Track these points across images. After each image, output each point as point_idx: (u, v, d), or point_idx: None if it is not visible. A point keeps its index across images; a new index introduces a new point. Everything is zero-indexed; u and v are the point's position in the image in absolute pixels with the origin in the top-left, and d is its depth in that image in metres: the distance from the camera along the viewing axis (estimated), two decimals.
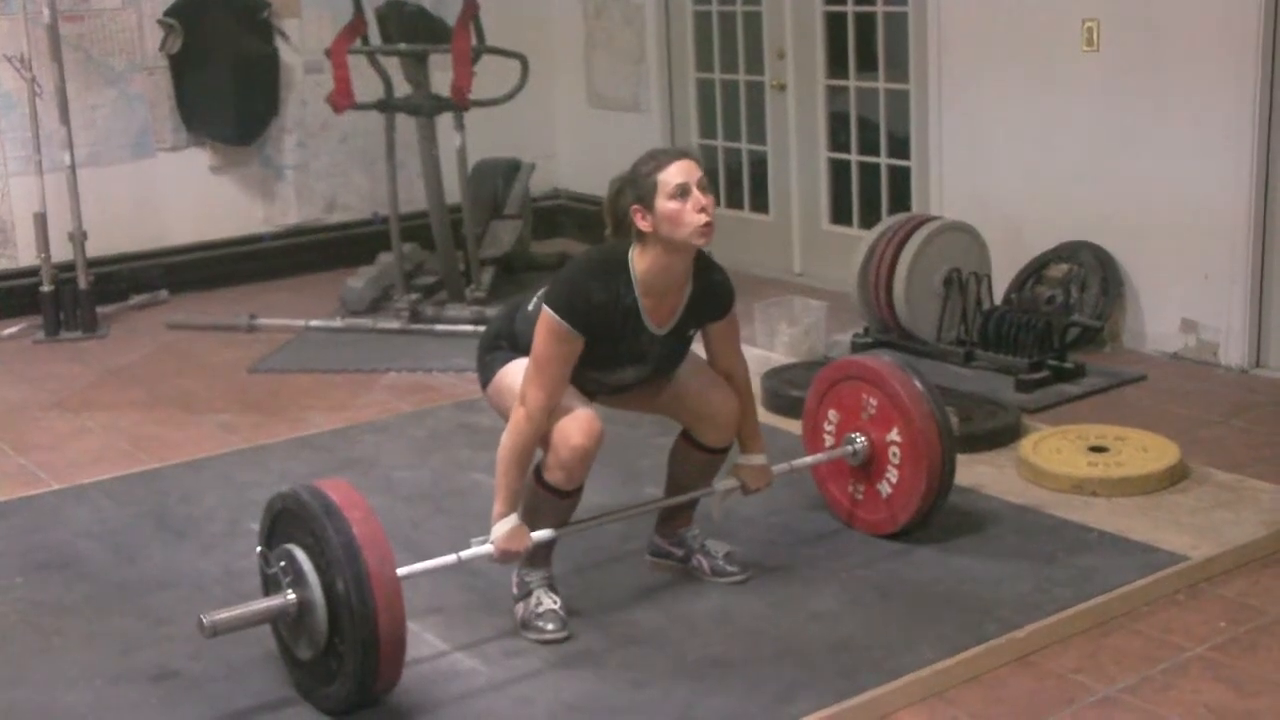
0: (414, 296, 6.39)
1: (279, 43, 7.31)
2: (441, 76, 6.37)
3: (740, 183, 7.28)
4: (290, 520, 3.14)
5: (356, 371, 5.73)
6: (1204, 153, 5.26)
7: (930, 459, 3.73)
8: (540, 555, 3.48)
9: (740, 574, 3.67)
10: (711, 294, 3.44)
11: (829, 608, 3.53)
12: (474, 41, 6.21)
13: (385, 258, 6.71)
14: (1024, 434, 4.52)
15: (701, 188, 3.24)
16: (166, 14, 6.98)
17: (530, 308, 3.43)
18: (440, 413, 5.13)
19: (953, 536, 3.89)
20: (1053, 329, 5.26)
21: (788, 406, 4.85)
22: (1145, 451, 4.26)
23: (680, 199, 3.22)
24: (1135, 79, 5.44)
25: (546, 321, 3.26)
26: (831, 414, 3.97)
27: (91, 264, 6.49)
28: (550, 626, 3.39)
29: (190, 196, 7.21)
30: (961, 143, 6.09)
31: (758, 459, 3.66)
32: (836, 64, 6.73)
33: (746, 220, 7.22)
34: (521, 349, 3.41)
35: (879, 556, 3.79)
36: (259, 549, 3.24)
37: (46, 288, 6.39)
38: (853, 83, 6.66)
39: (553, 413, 3.29)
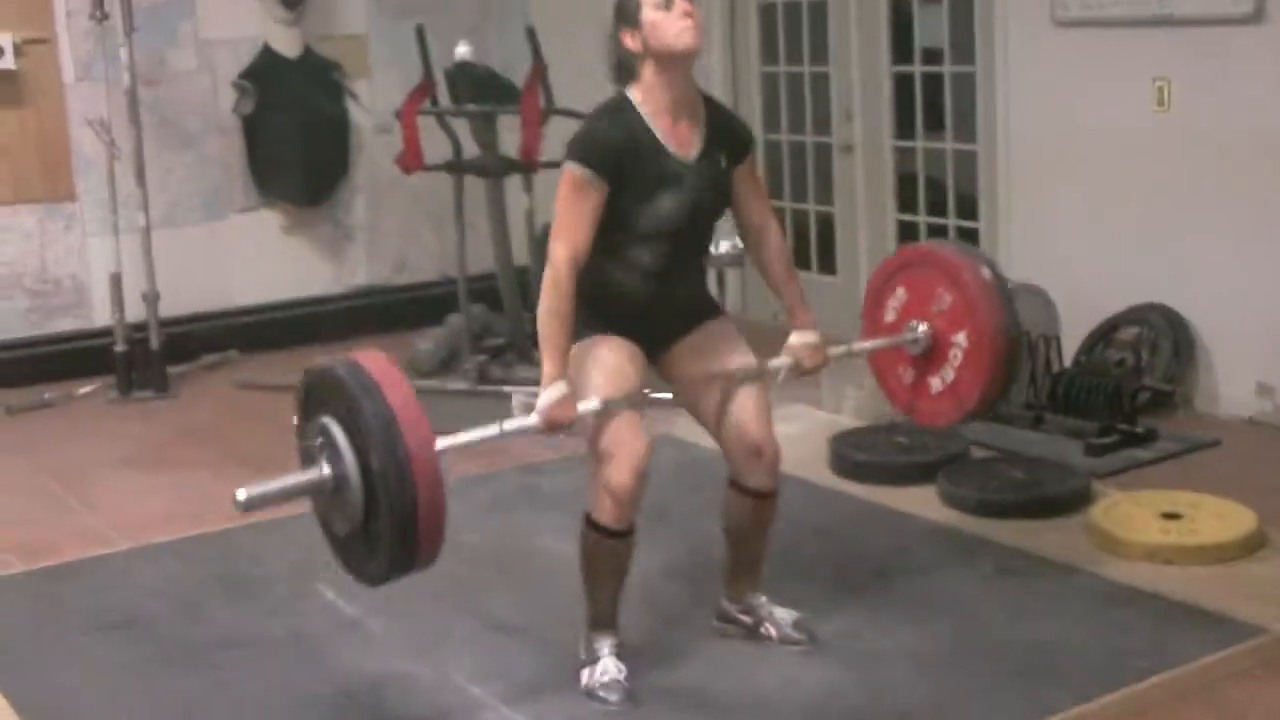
0: (482, 358, 6.41)
1: (349, 104, 7.41)
2: (510, 138, 6.42)
3: (808, 244, 7.26)
4: (326, 393, 3.06)
5: None
6: (1278, 214, 5.19)
7: (994, 367, 3.63)
8: (606, 617, 3.45)
9: (808, 642, 3.62)
10: (729, 125, 3.44)
11: (897, 676, 3.47)
12: (543, 103, 6.26)
13: (453, 319, 6.74)
14: (1094, 499, 4.44)
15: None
16: (241, 76, 7.10)
17: None
18: (505, 476, 5.13)
19: (1022, 603, 3.83)
20: (1123, 392, 5.19)
21: (853, 470, 4.82)
22: (1220, 519, 4.18)
23: (664, 8, 3.22)
24: (1207, 138, 5.38)
25: (566, 176, 3.24)
26: (900, 292, 3.82)
27: (163, 324, 6.57)
28: (614, 698, 3.36)
29: (261, 257, 7.30)
30: (1030, 203, 6.05)
31: (810, 336, 3.56)
32: (904, 125, 6.71)
33: (814, 282, 7.19)
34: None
35: (947, 622, 3.73)
36: (294, 421, 3.17)
37: (120, 348, 6.47)
38: (920, 143, 6.65)
39: (603, 453, 3.25)
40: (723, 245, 3.50)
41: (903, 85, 6.68)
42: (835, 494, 4.72)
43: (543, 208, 6.65)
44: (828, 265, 7.17)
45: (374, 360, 3.03)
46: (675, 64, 3.27)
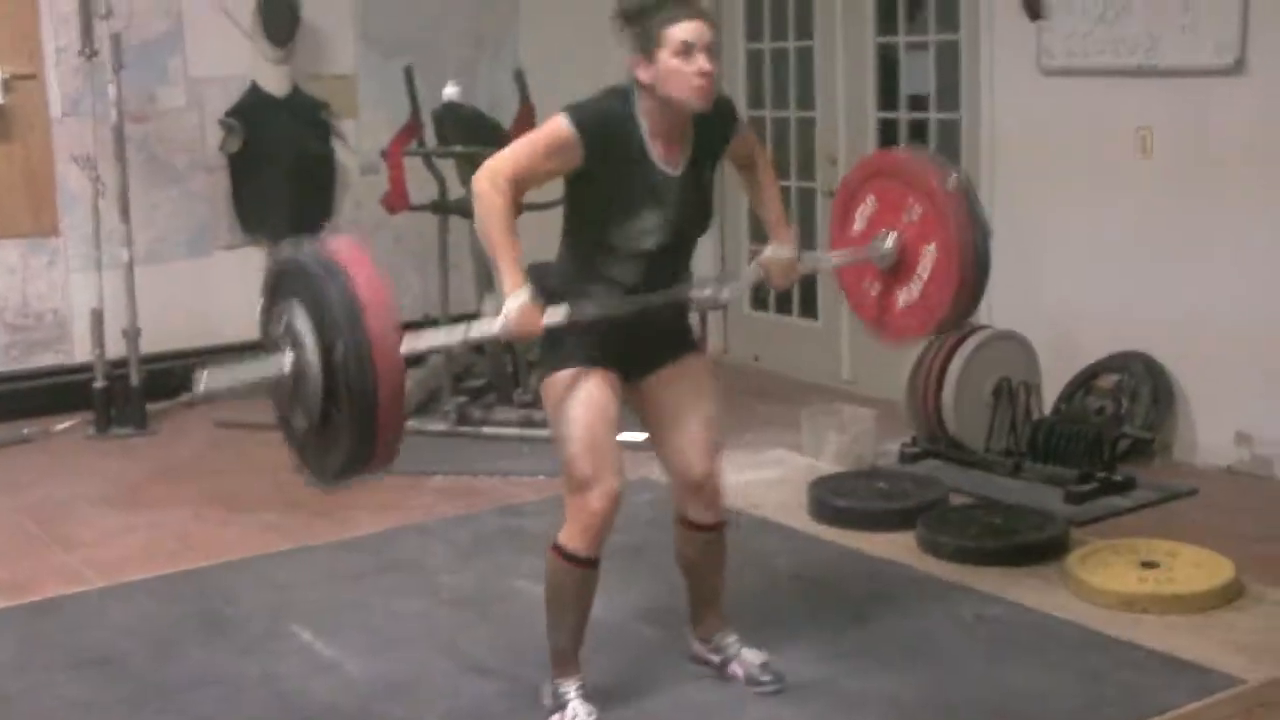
0: (462, 399, 6.41)
1: (335, 143, 7.43)
2: None
3: (792, 290, 7.27)
4: (293, 279, 2.99)
5: (402, 473, 5.70)
6: (1258, 263, 5.23)
7: (964, 277, 3.61)
8: (569, 661, 3.44)
9: (774, 684, 3.61)
10: (710, 124, 3.37)
11: None
12: None
13: (434, 359, 6.72)
14: (1072, 547, 4.44)
15: (707, 52, 3.20)
16: (228, 114, 7.11)
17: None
18: (485, 517, 5.12)
19: (998, 651, 3.82)
20: (1103, 440, 5.20)
21: (832, 516, 4.81)
22: (1198, 568, 4.18)
23: (684, 57, 3.18)
24: (1189, 187, 5.42)
25: (551, 124, 3.19)
26: (870, 201, 3.78)
27: (144, 360, 6.54)
28: None
29: (244, 295, 7.19)
30: (1012, 251, 6.05)
31: (785, 251, 3.55)
32: None
33: (795, 326, 7.21)
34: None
35: (924, 667, 3.73)
36: (260, 307, 3.11)
37: (100, 384, 6.45)
38: None
39: (579, 480, 3.27)
40: (706, 290, 3.48)
41: (888, 131, 6.72)
42: (814, 540, 4.72)
43: (528, 249, 6.66)
44: (809, 310, 7.17)
45: (341, 244, 2.98)
46: (677, 109, 3.27)
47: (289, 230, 7.22)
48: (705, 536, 3.58)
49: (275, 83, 7.20)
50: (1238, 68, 5.19)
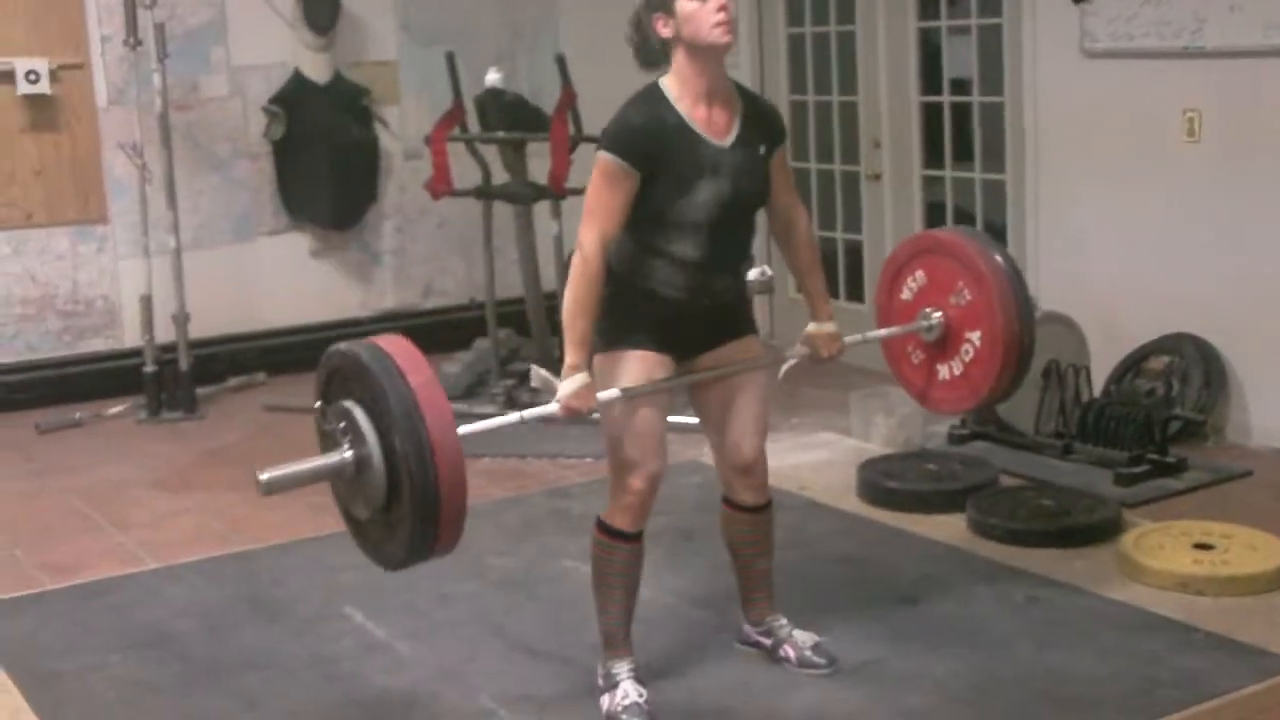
0: (509, 382, 6.42)
1: (379, 130, 7.45)
2: (539, 164, 6.44)
3: (836, 272, 7.25)
4: (348, 377, 3.05)
5: None
6: None
7: (1005, 366, 3.64)
8: (620, 642, 3.44)
9: (827, 667, 3.60)
10: (763, 113, 3.41)
11: (923, 704, 3.45)
12: (572, 130, 6.28)
13: (481, 343, 6.75)
14: (1124, 529, 4.41)
15: None
16: (271, 101, 7.14)
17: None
18: (533, 499, 5.13)
19: (1051, 633, 3.79)
20: (1153, 422, 5.16)
21: (882, 498, 4.79)
22: (1254, 550, 4.14)
23: (699, 0, 3.20)
24: (1237, 169, 5.37)
25: (599, 165, 3.22)
26: (919, 275, 3.80)
27: (192, 345, 6.60)
28: None
29: (289, 280, 7.33)
30: (1059, 233, 6.04)
31: (828, 326, 3.58)
32: (932, 154, 6.71)
33: (843, 309, 7.15)
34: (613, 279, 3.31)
35: (974, 650, 3.70)
36: (316, 405, 3.16)
37: (150, 368, 6.51)
38: (949, 173, 6.64)
39: (624, 460, 3.29)
40: (752, 273, 3.47)
41: (931, 114, 6.68)
42: (864, 521, 4.71)
43: (570, 234, 6.67)
44: (856, 294, 7.15)
45: (395, 344, 3.02)
46: (707, 54, 3.26)
47: (333, 216, 7.32)
48: (752, 518, 3.59)
49: (317, 70, 7.23)
50: None
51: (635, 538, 3.37)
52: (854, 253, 7.16)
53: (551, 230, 6.34)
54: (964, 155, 6.59)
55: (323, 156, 7.24)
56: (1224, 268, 5.46)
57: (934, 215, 6.76)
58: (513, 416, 3.22)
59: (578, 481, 5.25)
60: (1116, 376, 5.67)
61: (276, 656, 3.87)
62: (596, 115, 6.63)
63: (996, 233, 6.40)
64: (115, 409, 6.57)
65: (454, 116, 6.43)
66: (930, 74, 6.67)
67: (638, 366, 3.32)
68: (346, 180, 7.34)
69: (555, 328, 6.47)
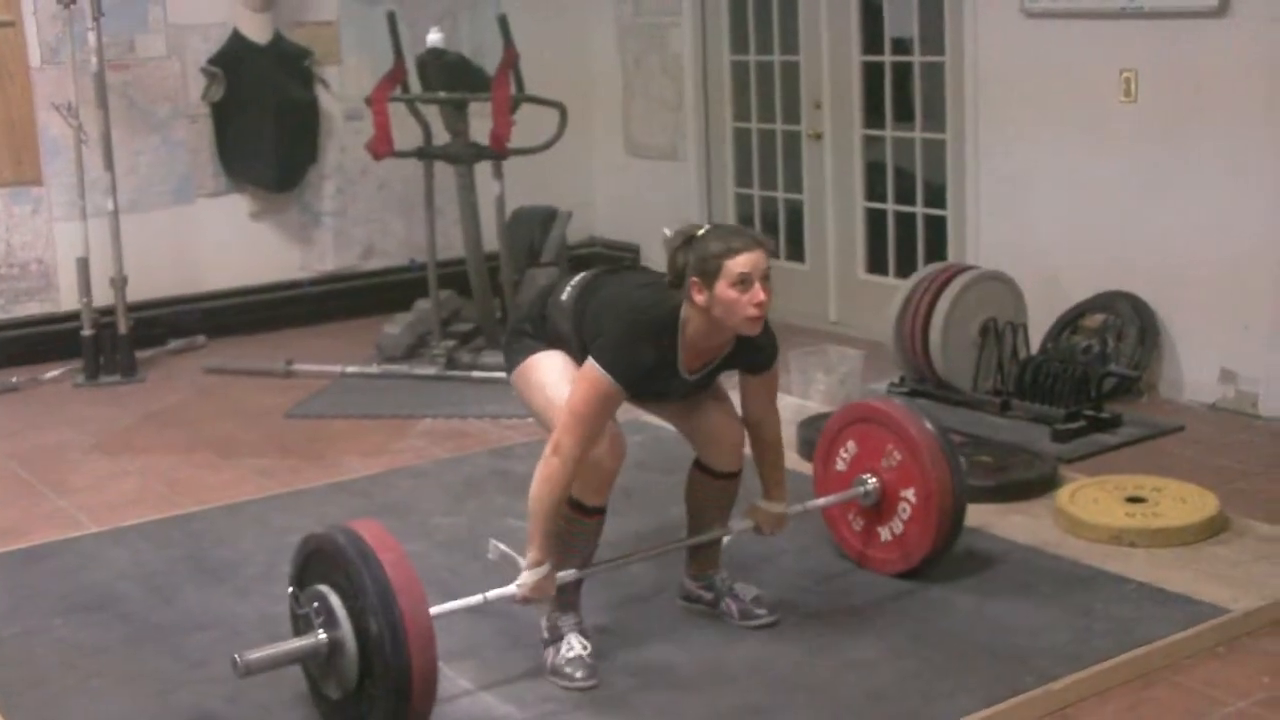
0: (450, 343, 6.42)
1: (319, 90, 7.39)
2: (480, 124, 6.43)
3: (776, 231, 7.29)
4: (323, 561, 3.15)
5: (393, 417, 5.75)
6: (1242, 202, 5.26)
7: (940, 521, 3.78)
8: (569, 597, 3.49)
9: (768, 616, 3.67)
10: (753, 350, 3.47)
11: (865, 655, 3.51)
12: (513, 90, 6.26)
13: (422, 304, 6.74)
14: (1060, 484, 4.49)
15: (763, 279, 3.25)
16: (210, 62, 7.07)
17: (564, 298, 3.48)
18: (476, 459, 5.15)
19: (989, 586, 3.87)
20: (1089, 379, 5.24)
21: None
22: (1184, 502, 4.23)
23: (740, 288, 3.23)
24: (1173, 129, 5.44)
25: (594, 378, 3.26)
26: (850, 445, 3.97)
27: (131, 308, 6.54)
28: (579, 674, 3.39)
29: (229, 242, 7.27)
30: (998, 192, 6.10)
31: (776, 507, 3.71)
32: (873, 114, 6.75)
33: (782, 269, 7.21)
34: (548, 337, 3.49)
35: (914, 603, 3.77)
36: (290, 589, 3.25)
37: (87, 332, 6.44)
38: (889, 132, 6.68)
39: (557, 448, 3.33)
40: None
41: (872, 74, 6.72)
42: (804, 478, 4.73)
43: (512, 194, 6.70)
44: (796, 253, 7.20)
45: (369, 528, 3.13)
46: (728, 332, 3.34)
47: (273, 177, 7.27)
48: (724, 484, 3.64)
49: (257, 30, 7.15)
50: (1222, 10, 5.20)
51: (601, 510, 3.43)
52: (795, 213, 7.19)
53: (493, 190, 6.33)
54: (905, 115, 6.63)
55: (263, 118, 7.17)
56: (1158, 227, 5.54)
57: (874, 174, 6.80)
58: (477, 598, 3.34)
59: (519, 441, 5.27)
60: (1054, 334, 5.75)
61: (222, 617, 3.87)
62: (537, 74, 6.65)
63: (936, 192, 6.47)
64: (52, 373, 6.51)
65: (395, 77, 6.39)
66: (871, 33, 6.70)
67: (565, 361, 3.47)
68: (287, 142, 7.26)
69: (496, 288, 6.52)
